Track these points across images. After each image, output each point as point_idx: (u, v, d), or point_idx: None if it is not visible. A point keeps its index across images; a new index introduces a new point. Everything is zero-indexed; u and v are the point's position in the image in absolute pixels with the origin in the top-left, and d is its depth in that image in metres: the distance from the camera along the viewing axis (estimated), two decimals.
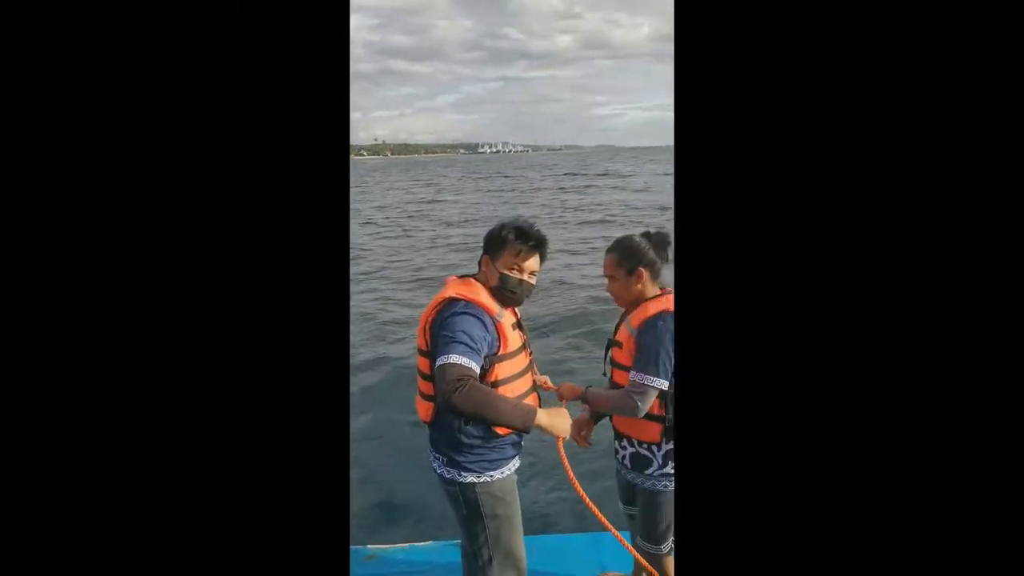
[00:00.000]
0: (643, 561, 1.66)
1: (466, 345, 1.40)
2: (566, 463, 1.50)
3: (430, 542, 2.31)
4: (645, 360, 1.58)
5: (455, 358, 1.38)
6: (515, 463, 1.64)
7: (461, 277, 1.63)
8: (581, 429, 1.80)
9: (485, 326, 1.48)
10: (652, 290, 1.69)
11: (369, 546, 2.27)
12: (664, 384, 1.58)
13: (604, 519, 1.49)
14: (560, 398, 1.79)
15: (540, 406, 1.69)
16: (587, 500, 1.47)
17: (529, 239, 1.56)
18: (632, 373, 1.61)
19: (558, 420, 1.50)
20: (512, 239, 1.57)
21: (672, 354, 1.56)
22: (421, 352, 1.59)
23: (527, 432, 1.48)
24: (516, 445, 1.62)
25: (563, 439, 1.51)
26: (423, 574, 2.11)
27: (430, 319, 1.54)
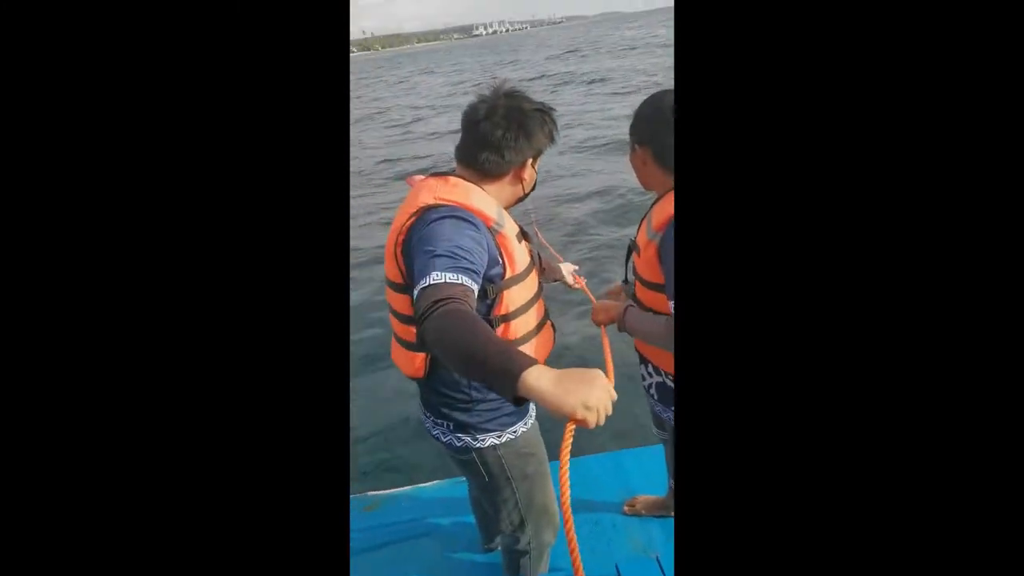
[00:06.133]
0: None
1: (450, 256, 0.98)
2: (564, 471, 0.78)
3: (435, 482, 2.19)
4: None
5: (435, 276, 0.94)
6: (534, 404, 1.26)
7: (436, 175, 1.21)
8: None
9: (478, 233, 1.08)
10: (668, 179, 1.22)
11: (369, 493, 2.15)
12: None
13: None
14: (596, 322, 1.35)
15: (554, 346, 1.30)
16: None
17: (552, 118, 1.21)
18: (672, 301, 1.15)
19: (574, 390, 0.75)
20: (548, 118, 1.19)
21: None
22: (393, 285, 1.18)
23: (512, 401, 0.79)
24: None
25: (573, 425, 0.78)
26: (432, 519, 1.99)
27: (400, 238, 1.11)
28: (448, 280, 0.93)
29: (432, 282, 0.93)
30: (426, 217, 1.08)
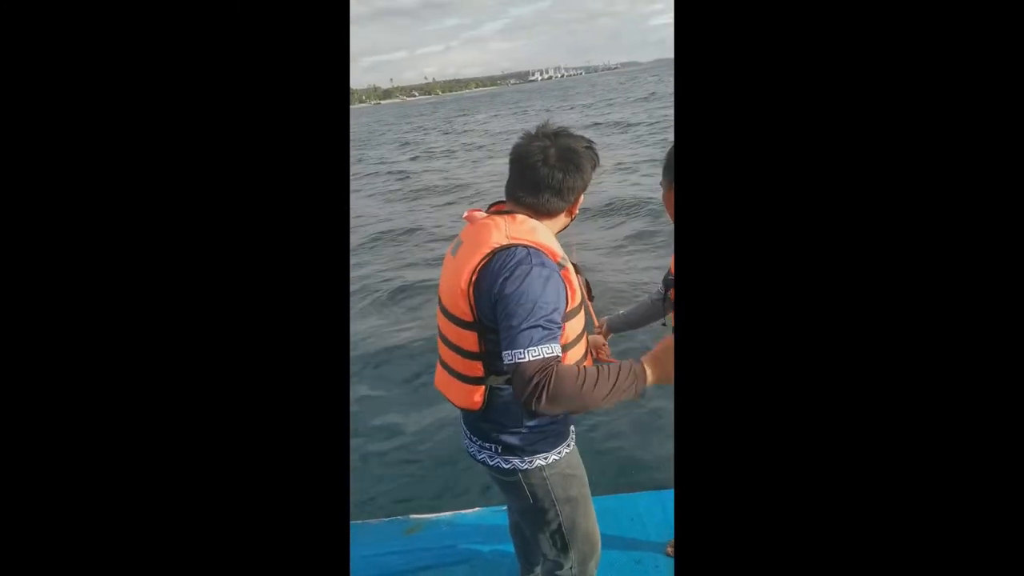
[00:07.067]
0: None
1: (542, 327, 1.06)
2: None
3: (476, 509, 2.19)
4: None
5: (533, 352, 1.04)
6: (573, 429, 1.36)
7: (498, 212, 1.24)
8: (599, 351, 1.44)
9: (560, 282, 1.13)
10: None
11: (411, 516, 2.17)
12: None
13: None
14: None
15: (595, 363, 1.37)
16: None
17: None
18: None
19: (670, 365, 1.10)
20: (594, 152, 1.24)
21: None
22: (458, 321, 1.21)
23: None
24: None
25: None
26: (471, 546, 1.99)
27: (474, 278, 1.15)
28: (545, 355, 1.06)
29: (531, 358, 1.05)
30: (508, 264, 1.11)
